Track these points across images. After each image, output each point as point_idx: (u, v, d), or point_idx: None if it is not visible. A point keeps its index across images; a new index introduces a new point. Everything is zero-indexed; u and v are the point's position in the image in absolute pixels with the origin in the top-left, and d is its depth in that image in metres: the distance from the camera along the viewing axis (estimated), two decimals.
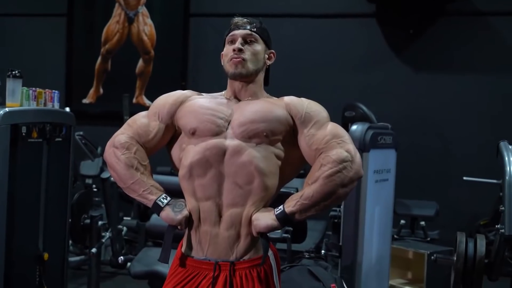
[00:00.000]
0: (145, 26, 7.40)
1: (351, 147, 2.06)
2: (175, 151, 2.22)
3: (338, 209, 4.35)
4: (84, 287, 4.80)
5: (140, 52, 7.42)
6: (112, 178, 4.31)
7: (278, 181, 2.13)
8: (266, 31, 2.24)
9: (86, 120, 6.63)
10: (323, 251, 4.22)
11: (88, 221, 4.15)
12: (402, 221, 5.83)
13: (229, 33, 2.22)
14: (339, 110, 5.63)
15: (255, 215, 2.06)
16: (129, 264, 4.13)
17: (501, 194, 5.44)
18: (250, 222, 2.06)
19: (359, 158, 2.05)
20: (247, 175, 2.06)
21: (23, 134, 3.27)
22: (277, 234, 3.83)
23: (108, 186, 4.32)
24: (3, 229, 3.18)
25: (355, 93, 6.55)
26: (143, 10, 7.41)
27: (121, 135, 2.20)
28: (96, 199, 6.09)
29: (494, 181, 5.86)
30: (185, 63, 7.31)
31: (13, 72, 3.34)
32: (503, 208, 2.91)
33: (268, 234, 2.08)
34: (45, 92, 3.59)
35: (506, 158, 3.01)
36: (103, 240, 4.27)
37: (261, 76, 2.23)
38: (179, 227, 2.11)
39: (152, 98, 7.15)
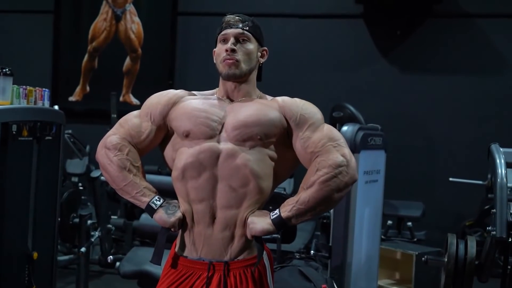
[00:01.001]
0: (133, 24, 7.37)
1: (347, 151, 2.06)
2: (168, 151, 2.20)
3: None
4: (72, 286, 4.77)
5: (128, 50, 7.39)
6: (102, 178, 4.31)
7: (272, 182, 2.13)
8: (258, 28, 2.22)
9: (72, 118, 6.55)
10: (312, 252, 4.23)
11: (77, 220, 4.13)
12: (389, 222, 5.86)
13: (221, 31, 2.19)
14: (326, 110, 5.62)
15: (250, 218, 2.05)
16: (118, 263, 4.10)
17: (489, 195, 5.54)
18: (245, 224, 2.06)
19: (354, 162, 2.06)
20: (242, 178, 2.05)
21: (14, 132, 3.23)
22: None
23: (98, 185, 4.30)
24: None
25: (342, 93, 6.58)
26: (130, 8, 7.38)
27: (113, 136, 2.17)
28: (82, 197, 6.05)
29: (480, 182, 5.94)
30: (172, 61, 7.29)
31: (4, 70, 3.30)
32: (494, 210, 2.93)
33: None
34: (35, 90, 3.55)
35: (498, 161, 3.02)
36: (92, 240, 4.25)
37: (254, 75, 2.21)
38: (172, 229, 2.10)
39: (139, 97, 7.14)
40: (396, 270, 5.10)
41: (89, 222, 4.17)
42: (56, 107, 3.93)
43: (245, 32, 2.16)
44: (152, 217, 2.13)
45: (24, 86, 3.46)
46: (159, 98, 2.22)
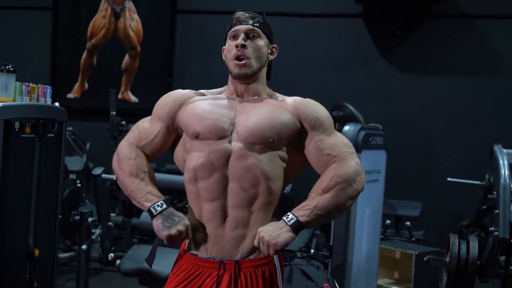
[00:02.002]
0: (132, 22, 7.36)
1: (358, 160, 2.11)
2: (178, 152, 2.20)
3: None
4: (72, 283, 4.77)
5: (126, 48, 7.38)
6: (103, 175, 4.31)
7: (283, 183, 2.13)
8: (268, 25, 2.22)
9: (70, 115, 6.53)
10: (312, 250, 4.23)
11: (78, 217, 4.13)
12: (388, 221, 5.87)
13: (231, 28, 2.18)
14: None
15: (267, 235, 1.99)
16: (118, 261, 4.10)
17: (489, 196, 5.55)
18: (257, 226, 2.05)
19: (363, 170, 2.10)
20: (253, 178, 2.05)
21: (16, 129, 3.22)
22: None
23: (100, 183, 4.29)
24: None
25: (341, 93, 6.57)
26: (130, 5, 7.37)
27: (124, 143, 2.21)
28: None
29: (478, 182, 5.95)
30: (171, 59, 7.27)
31: (7, 67, 3.29)
32: (497, 211, 2.94)
33: None
34: (37, 87, 3.55)
35: (501, 162, 3.03)
36: (93, 237, 4.24)
37: (264, 72, 2.21)
38: (165, 241, 2.06)
39: (137, 94, 7.13)
40: (395, 269, 5.12)
41: (89, 219, 4.16)
42: (57, 104, 3.92)
43: (255, 28, 2.16)
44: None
45: (26, 83, 3.45)
46: (166, 99, 2.22)
